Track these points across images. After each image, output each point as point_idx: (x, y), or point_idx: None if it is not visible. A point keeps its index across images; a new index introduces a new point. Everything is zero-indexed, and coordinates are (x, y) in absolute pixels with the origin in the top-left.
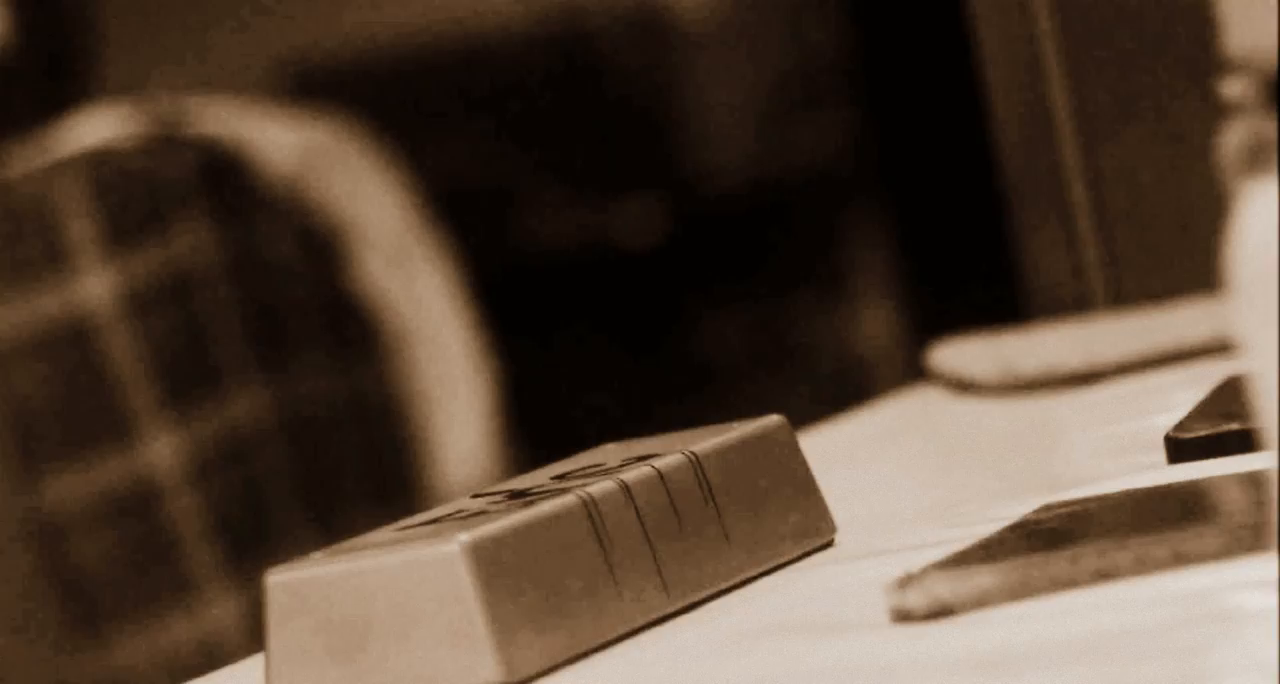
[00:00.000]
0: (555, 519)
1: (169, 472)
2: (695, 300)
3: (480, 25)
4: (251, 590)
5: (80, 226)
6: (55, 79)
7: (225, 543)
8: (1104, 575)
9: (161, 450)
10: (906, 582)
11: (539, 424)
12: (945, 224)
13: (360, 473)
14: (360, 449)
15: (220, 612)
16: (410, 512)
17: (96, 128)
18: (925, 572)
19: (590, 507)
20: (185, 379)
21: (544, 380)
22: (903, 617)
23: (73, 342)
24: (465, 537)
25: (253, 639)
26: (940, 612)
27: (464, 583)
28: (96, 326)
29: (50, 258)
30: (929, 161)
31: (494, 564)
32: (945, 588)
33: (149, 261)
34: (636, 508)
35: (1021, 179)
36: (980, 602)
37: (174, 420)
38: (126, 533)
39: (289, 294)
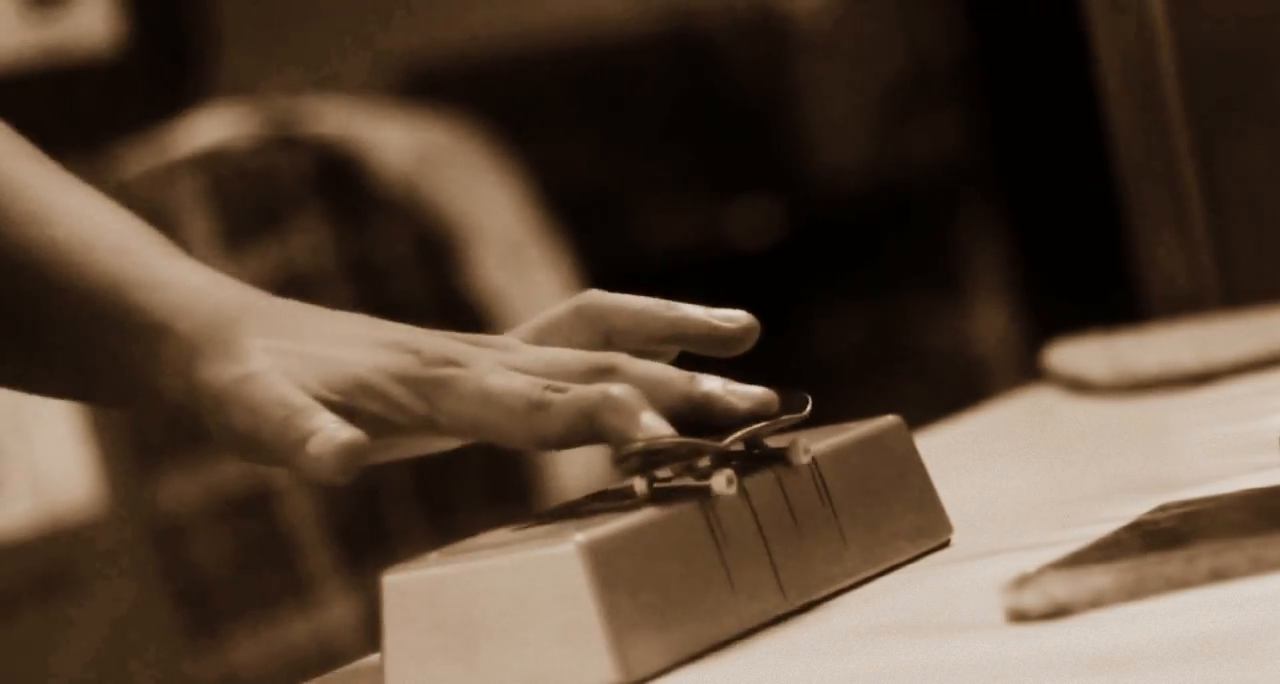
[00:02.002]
0: (672, 520)
1: (285, 473)
2: (811, 300)
3: (596, 26)
4: (368, 591)
5: (197, 226)
6: (173, 80)
7: (342, 543)
8: (1220, 576)
9: None
10: (1023, 582)
11: None
12: (1061, 225)
13: (476, 473)
14: (476, 450)
15: (337, 611)
16: (526, 512)
17: (213, 128)
18: (1041, 572)
19: (707, 507)
20: None
21: None
22: (1019, 617)
23: None
24: (582, 537)
25: (369, 639)
26: (1056, 612)
27: (580, 583)
28: None
29: None
30: (1045, 162)
31: (610, 564)
32: (1061, 588)
33: (265, 260)
34: (753, 508)
35: (1138, 180)
36: (1096, 602)
37: None
38: (244, 534)
39: (404, 293)
